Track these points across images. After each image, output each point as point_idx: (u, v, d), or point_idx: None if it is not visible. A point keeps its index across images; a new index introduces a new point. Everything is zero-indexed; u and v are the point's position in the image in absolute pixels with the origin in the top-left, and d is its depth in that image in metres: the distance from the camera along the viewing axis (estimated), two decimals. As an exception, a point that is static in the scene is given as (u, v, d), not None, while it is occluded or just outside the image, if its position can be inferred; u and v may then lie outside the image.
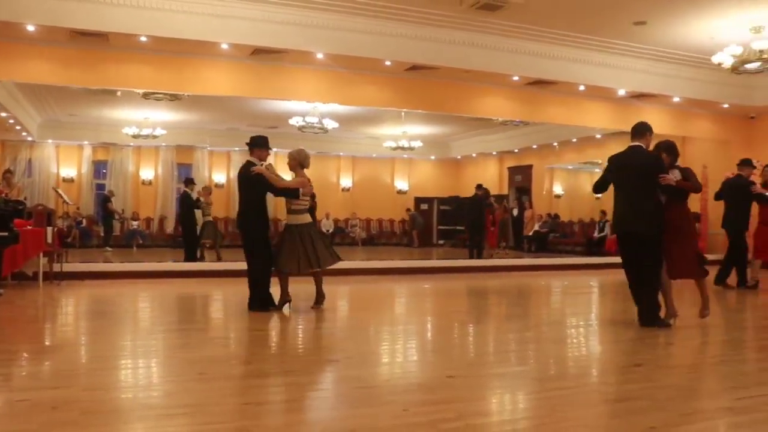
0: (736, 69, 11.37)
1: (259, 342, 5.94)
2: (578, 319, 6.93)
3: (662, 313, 6.30)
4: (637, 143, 6.46)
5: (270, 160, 8.01)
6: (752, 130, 16.35)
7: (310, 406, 3.77)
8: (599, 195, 7.71)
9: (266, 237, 7.36)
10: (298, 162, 7.31)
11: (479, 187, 15.96)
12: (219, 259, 13.10)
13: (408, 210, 24.11)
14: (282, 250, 7.16)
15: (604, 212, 17.53)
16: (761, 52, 10.84)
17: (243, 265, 7.53)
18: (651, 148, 6.58)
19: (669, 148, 6.50)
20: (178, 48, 10.75)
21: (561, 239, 19.83)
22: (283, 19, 10.73)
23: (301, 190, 7.13)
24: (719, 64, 11.50)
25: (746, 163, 10.45)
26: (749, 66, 11.18)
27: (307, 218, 7.23)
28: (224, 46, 10.75)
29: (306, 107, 16.16)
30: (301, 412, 3.66)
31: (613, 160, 6.68)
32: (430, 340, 6.22)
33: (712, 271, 8.37)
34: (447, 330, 6.76)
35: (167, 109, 17.46)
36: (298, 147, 7.70)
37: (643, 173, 6.27)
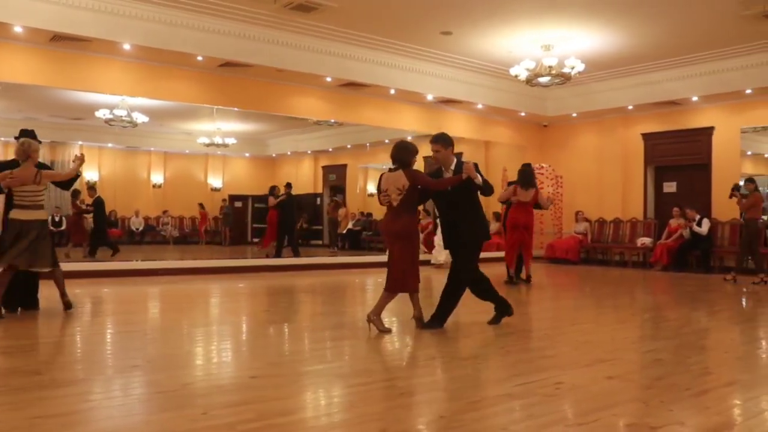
0: (530, 82, 12.38)
1: (55, 349, 5.58)
2: (389, 315, 7.15)
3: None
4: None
5: (75, 152, 7.56)
6: (545, 137, 17.92)
7: (104, 414, 3.60)
8: None
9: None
10: None
11: (289, 185, 16.02)
12: None
13: (223, 200, 23.64)
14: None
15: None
16: (550, 68, 11.90)
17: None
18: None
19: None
20: (-37, 28, 9.78)
21: (374, 237, 20.40)
22: (87, 5, 10.13)
23: None
24: (516, 76, 12.47)
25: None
26: (541, 80, 12.23)
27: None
28: (18, 29, 9.93)
29: (114, 99, 15.34)
30: (94, 422, 3.49)
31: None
32: (238, 341, 6.18)
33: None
34: (256, 330, 6.77)
35: (-49, 95, 15.80)
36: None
37: (461, 186, 6.39)
